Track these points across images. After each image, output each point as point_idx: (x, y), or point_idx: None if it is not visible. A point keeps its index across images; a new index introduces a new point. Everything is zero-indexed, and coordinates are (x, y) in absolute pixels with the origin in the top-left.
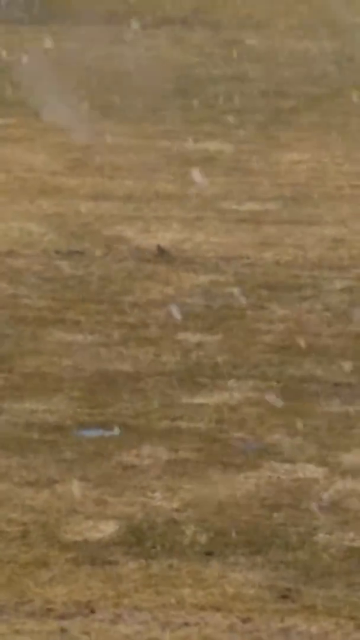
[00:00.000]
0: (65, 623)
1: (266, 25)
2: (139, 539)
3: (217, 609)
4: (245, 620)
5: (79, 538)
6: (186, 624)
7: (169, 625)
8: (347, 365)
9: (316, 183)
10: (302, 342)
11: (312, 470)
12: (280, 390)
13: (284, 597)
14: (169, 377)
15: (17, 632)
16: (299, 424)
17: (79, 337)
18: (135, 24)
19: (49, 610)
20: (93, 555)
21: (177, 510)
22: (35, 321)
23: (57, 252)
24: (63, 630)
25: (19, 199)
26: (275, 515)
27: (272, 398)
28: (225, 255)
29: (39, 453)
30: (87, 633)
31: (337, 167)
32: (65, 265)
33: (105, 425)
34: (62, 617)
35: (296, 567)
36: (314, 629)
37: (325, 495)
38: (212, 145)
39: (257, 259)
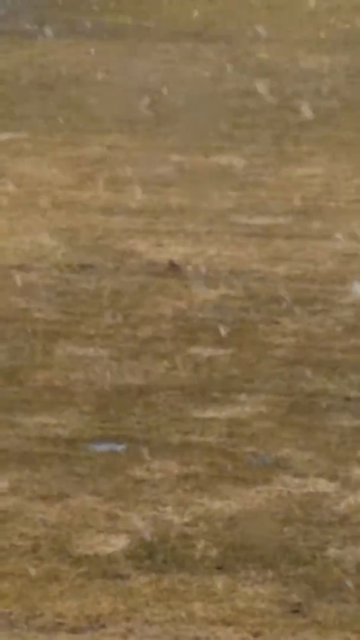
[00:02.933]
0: (76, 637)
1: (277, 39)
2: (150, 553)
3: (228, 623)
4: (256, 635)
5: (90, 552)
6: (197, 639)
7: None
8: (358, 379)
9: (327, 197)
10: (313, 357)
11: (323, 485)
12: (291, 405)
13: (295, 611)
14: (180, 391)
15: None
16: (310, 439)
17: (91, 351)
18: (146, 39)
19: (60, 624)
20: (104, 570)
21: (188, 524)
22: (46, 335)
23: (68, 265)
24: None
25: (30, 213)
26: (286, 529)
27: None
28: (236, 270)
29: (50, 467)
30: None
31: (348, 181)
32: (76, 279)
33: (116, 439)
34: (73, 631)
35: (307, 581)
36: None
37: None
38: (224, 160)
39: (268, 273)
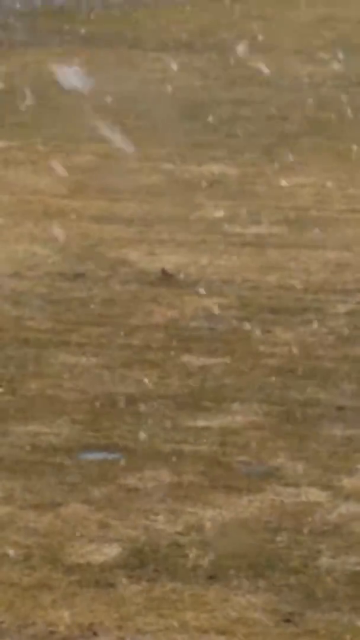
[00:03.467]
0: None
1: (271, 48)
2: (142, 562)
3: (221, 632)
4: None
5: (82, 561)
6: None
7: None
8: (351, 389)
9: (320, 207)
10: (305, 366)
11: (315, 494)
12: (284, 414)
13: (287, 621)
14: (172, 400)
15: None
16: (303, 448)
17: (83, 360)
18: (139, 48)
19: (52, 633)
20: (96, 579)
21: (180, 533)
22: (38, 343)
23: (60, 274)
24: None
25: (22, 222)
26: (278, 538)
27: None
28: (229, 279)
29: (42, 476)
30: None
31: (342, 191)
32: (69, 288)
33: (108, 449)
34: None
35: (299, 591)
36: None
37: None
38: (217, 169)
39: (261, 282)
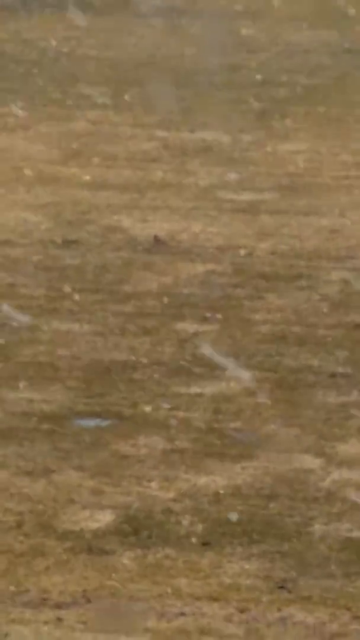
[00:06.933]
0: (61, 612)
1: (262, 15)
2: (135, 529)
3: (214, 599)
4: (241, 611)
5: (75, 528)
6: (182, 614)
7: (165, 615)
8: (344, 356)
9: (313, 173)
10: (298, 333)
11: (308, 461)
12: (277, 381)
13: (281, 587)
14: (165, 367)
15: (13, 621)
16: (296, 415)
17: (76, 327)
18: (132, 15)
19: (45, 599)
20: (89, 545)
21: (173, 500)
22: (31, 310)
23: (53, 241)
24: (59, 620)
25: (15, 188)
26: (271, 505)
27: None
28: (222, 246)
29: (35, 442)
30: (83, 622)
31: (334, 157)
32: (61, 255)
33: (101, 415)
34: (58, 606)
35: (292, 557)
36: (310, 620)
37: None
38: (209, 135)
39: (254, 249)
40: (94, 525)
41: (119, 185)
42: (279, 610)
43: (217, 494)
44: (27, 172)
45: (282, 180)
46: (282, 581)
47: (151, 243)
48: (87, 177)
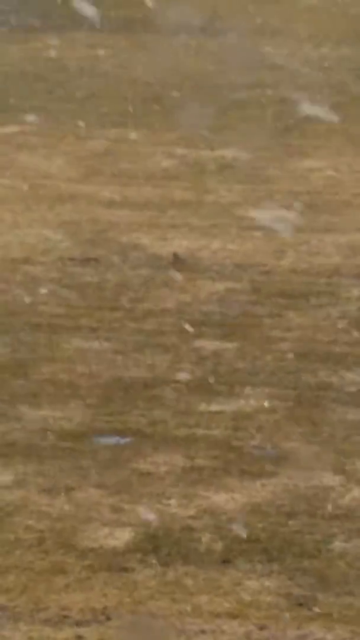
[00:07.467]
0: (81, 630)
1: (282, 32)
2: (154, 546)
3: (234, 616)
4: (261, 628)
5: (95, 545)
6: (202, 632)
7: (185, 633)
8: None
9: (333, 190)
10: (318, 350)
11: (328, 478)
12: (297, 398)
13: (300, 604)
14: (185, 384)
15: (32, 639)
16: (315, 432)
17: (95, 344)
18: (152, 32)
19: (65, 617)
20: (109, 563)
21: (193, 517)
22: (51, 328)
23: (72, 259)
24: (79, 637)
25: (35, 206)
26: (291, 522)
27: None
28: (241, 263)
29: (55, 460)
30: None
31: (354, 174)
32: (81, 272)
33: (121, 433)
34: (78, 624)
35: (312, 574)
36: (330, 637)
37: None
38: (229, 153)
39: (273, 266)
40: (113, 542)
41: (138, 203)
42: (299, 627)
43: (236, 511)
44: (47, 190)
45: (302, 198)
46: (302, 598)
47: (171, 261)
48: (107, 195)
